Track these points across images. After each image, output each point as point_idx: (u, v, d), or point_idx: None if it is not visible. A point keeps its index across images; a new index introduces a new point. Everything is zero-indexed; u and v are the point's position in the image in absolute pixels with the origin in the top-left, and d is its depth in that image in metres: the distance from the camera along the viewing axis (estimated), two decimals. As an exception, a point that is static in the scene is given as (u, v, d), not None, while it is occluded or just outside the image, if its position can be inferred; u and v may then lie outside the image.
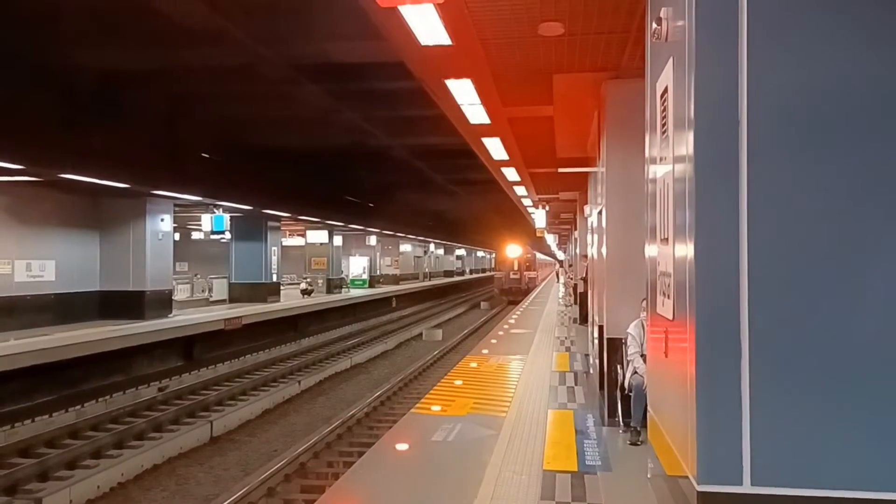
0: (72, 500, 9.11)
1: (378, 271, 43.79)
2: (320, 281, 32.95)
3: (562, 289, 39.23)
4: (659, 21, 2.90)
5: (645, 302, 4.01)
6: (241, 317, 21.51)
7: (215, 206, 21.76)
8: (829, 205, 2.33)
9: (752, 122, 2.33)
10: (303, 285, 30.63)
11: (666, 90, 2.89)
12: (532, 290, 45.25)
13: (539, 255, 62.26)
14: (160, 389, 16.07)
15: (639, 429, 6.76)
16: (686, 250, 2.50)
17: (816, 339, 2.32)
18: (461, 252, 75.30)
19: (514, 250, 51.57)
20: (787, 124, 2.35)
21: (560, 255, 58.53)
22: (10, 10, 10.24)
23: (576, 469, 6.21)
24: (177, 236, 26.16)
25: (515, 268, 50.97)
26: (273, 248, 26.70)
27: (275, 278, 26.86)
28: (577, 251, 21.36)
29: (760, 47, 2.33)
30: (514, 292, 47.46)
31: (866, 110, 2.31)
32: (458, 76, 7.79)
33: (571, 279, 27.54)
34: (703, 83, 2.39)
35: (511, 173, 15.90)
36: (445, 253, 67.20)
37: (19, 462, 10.30)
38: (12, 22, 10.68)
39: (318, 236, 33.28)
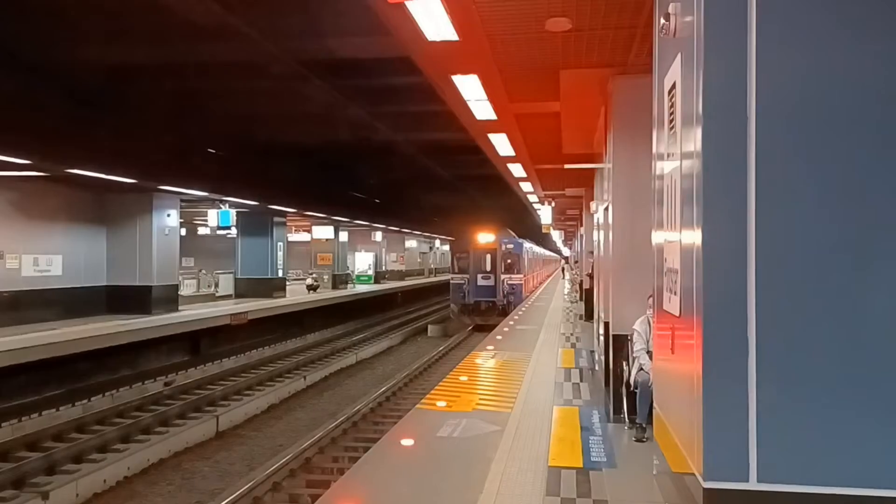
0: (78, 494, 9.15)
1: (384, 267, 43.82)
2: (326, 276, 33.00)
3: (567, 285, 39.15)
4: (667, 16, 2.88)
5: (651, 299, 4.01)
6: (246, 312, 21.55)
7: (221, 201, 21.79)
8: (837, 203, 2.32)
9: (761, 118, 2.32)
10: (308, 281, 30.69)
11: (674, 86, 2.87)
12: (515, 307, 26.63)
13: (534, 248, 40.07)
14: (166, 384, 16.13)
15: (644, 425, 6.75)
16: (693, 247, 2.49)
17: (824, 336, 2.31)
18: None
19: (485, 237, 30.57)
20: (796, 121, 2.33)
21: (566, 252, 58.23)
22: (17, 5, 10.26)
23: (581, 465, 6.20)
24: (183, 231, 26.28)
25: (487, 267, 30.09)
26: (279, 244, 26.77)
27: (281, 274, 26.93)
28: (583, 247, 21.33)
29: (770, 43, 2.31)
30: (485, 312, 29.11)
31: (876, 107, 2.29)
32: (464, 72, 7.79)
33: (577, 275, 27.36)
34: (712, 79, 2.38)
35: (517, 169, 15.89)
36: (451, 249, 67.14)
37: (26, 456, 10.35)
38: (20, 18, 10.69)
39: (323, 232, 33.33)
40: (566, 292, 33.44)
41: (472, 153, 16.17)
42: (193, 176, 18.00)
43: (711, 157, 2.38)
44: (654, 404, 3.61)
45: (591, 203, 12.93)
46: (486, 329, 22.17)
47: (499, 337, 16.08)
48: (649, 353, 6.57)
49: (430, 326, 29.25)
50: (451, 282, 30.91)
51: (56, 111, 13.27)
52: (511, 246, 30.84)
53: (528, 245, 34.71)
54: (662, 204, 3.17)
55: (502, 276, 29.86)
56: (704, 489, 2.33)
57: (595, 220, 11.73)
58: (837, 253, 2.31)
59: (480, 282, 29.83)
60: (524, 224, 39.57)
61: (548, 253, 59.53)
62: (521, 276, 30.78)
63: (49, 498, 8.66)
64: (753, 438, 2.31)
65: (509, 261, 30.37)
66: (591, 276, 15.59)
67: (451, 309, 31.05)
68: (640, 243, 5.44)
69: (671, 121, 2.96)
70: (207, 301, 24.06)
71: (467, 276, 29.91)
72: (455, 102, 9.29)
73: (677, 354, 2.86)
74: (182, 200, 20.54)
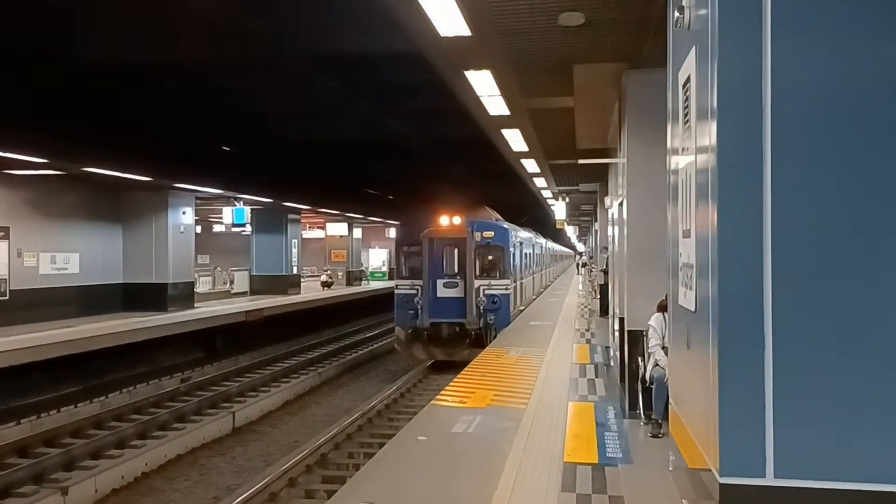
0: (97, 490, 9.23)
1: (398, 263, 43.74)
2: (340, 273, 33.09)
3: (580, 279, 39.01)
4: (681, 9, 2.86)
5: (666, 297, 3.99)
6: (262, 309, 21.66)
7: (236, 198, 21.90)
8: (854, 197, 2.29)
9: (776, 111, 2.30)
10: (323, 277, 30.81)
11: (688, 80, 2.86)
12: (498, 332, 17.18)
13: (533, 238, 28.02)
14: (183, 381, 16.23)
15: (660, 421, 6.73)
16: (709, 242, 2.48)
17: (840, 331, 2.29)
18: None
19: (447, 220, 18.50)
20: (811, 114, 2.31)
21: (580, 248, 58.07)
22: (31, 6, 10.33)
23: (596, 461, 6.19)
24: (198, 229, 26.42)
25: (452, 268, 18.31)
26: (293, 241, 26.91)
27: (295, 270, 27.07)
28: (598, 243, 21.25)
29: (785, 35, 2.29)
30: (448, 341, 17.88)
31: (892, 100, 2.27)
32: (477, 67, 7.78)
33: (592, 271, 27.10)
34: (727, 72, 2.36)
35: (531, 165, 15.88)
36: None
37: (45, 452, 10.46)
38: (34, 18, 10.77)
39: (337, 229, 33.45)
40: (580, 287, 33.34)
41: (486, 149, 16.15)
42: (208, 174, 18.11)
43: (727, 151, 2.36)
44: (670, 400, 3.60)
45: (605, 198, 12.89)
46: (451, 368, 14.91)
47: (513, 333, 16.06)
48: (665, 348, 6.55)
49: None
50: (396, 292, 18.93)
51: (72, 110, 13.37)
52: (491, 233, 18.79)
53: (520, 233, 22.97)
54: (677, 199, 3.15)
55: (477, 283, 18.16)
56: (721, 484, 2.32)
57: (610, 216, 11.69)
58: (854, 248, 2.29)
59: (441, 292, 18.29)
60: (537, 218, 39.44)
61: (557, 247, 48.24)
62: (509, 281, 18.95)
63: (68, 493, 8.74)
64: (770, 433, 2.29)
65: (490, 257, 18.81)
66: (605, 272, 15.54)
67: (395, 335, 19.19)
68: (655, 238, 5.41)
69: (686, 115, 2.94)
70: (223, 298, 24.21)
71: (420, 282, 18.21)
72: (468, 98, 9.29)
73: (693, 350, 2.85)
74: (197, 198, 20.67)
